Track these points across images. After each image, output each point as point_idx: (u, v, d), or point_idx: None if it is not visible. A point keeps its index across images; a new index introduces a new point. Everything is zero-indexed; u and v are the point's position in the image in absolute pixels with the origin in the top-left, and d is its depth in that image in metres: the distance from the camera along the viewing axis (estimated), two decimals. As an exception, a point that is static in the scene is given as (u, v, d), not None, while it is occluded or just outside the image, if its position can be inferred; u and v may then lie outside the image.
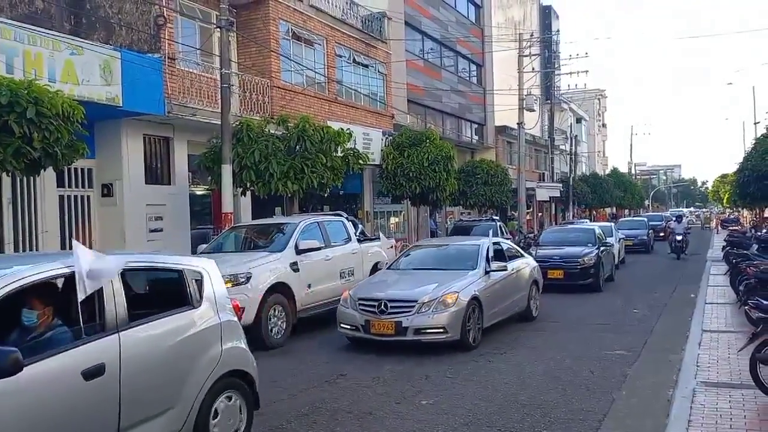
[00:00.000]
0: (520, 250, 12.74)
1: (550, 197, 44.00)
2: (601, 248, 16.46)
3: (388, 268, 11.34)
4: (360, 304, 9.27)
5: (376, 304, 9.10)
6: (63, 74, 12.02)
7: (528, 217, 38.29)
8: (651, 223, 33.54)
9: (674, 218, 27.99)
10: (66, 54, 12.17)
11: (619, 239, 22.43)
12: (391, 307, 9.01)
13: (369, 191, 24.43)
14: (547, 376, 7.80)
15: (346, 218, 13.26)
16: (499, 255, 10.98)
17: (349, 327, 9.39)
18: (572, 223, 31.53)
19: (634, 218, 40.02)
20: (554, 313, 12.47)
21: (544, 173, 46.00)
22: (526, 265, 11.83)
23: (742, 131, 70.52)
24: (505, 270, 10.48)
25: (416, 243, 12.28)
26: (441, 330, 8.87)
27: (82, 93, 12.18)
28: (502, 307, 10.33)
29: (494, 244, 11.10)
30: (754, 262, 11.31)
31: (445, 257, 11.03)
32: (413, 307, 8.94)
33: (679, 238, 24.25)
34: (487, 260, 10.19)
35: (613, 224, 25.75)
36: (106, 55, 12.94)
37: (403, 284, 9.92)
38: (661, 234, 32.99)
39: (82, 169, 14.51)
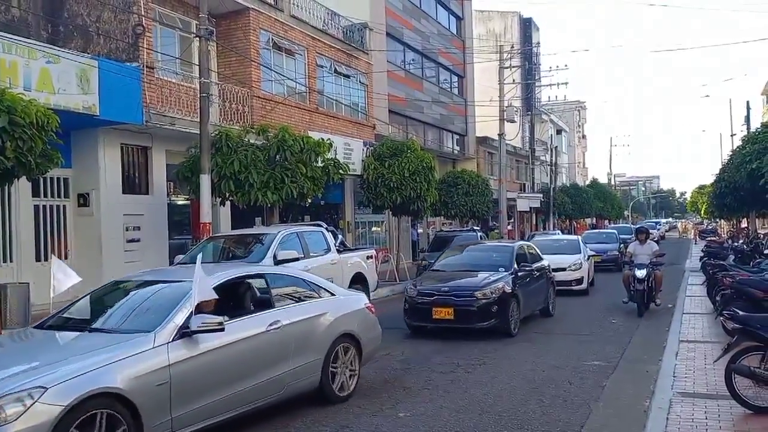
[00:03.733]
0: (328, 284, 7.85)
1: (530, 208, 44.20)
2: (520, 274, 11.83)
3: (34, 326, 6.57)
4: None
5: None
6: (39, 83, 11.88)
7: (509, 228, 38.46)
8: (621, 236, 28.11)
9: (634, 235, 15.67)
10: (42, 62, 12.04)
11: (588, 256, 18.66)
12: None
13: (350, 201, 24.40)
14: (525, 387, 7.78)
15: (326, 228, 13.22)
16: (260, 295, 6.91)
17: None
18: (545, 233, 30.56)
19: (603, 230, 34.44)
20: (532, 323, 12.47)
21: (524, 184, 46.30)
22: (322, 311, 7.11)
23: (720, 143, 71.65)
24: (221, 329, 5.68)
25: (117, 278, 7.24)
26: None
27: (58, 102, 12.05)
28: (234, 394, 5.91)
29: (255, 277, 7.03)
30: (731, 273, 11.40)
31: (127, 307, 6.29)
32: None
33: (641, 274, 13.08)
34: (191, 314, 5.65)
35: (579, 237, 21.79)
36: (83, 64, 12.82)
37: None
38: None
39: (58, 179, 14.33)
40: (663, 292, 14.16)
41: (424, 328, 11.26)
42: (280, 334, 6.49)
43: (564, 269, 16.72)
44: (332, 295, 7.56)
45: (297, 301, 7.12)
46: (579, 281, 17.10)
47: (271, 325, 6.43)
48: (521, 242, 14.73)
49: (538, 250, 14.26)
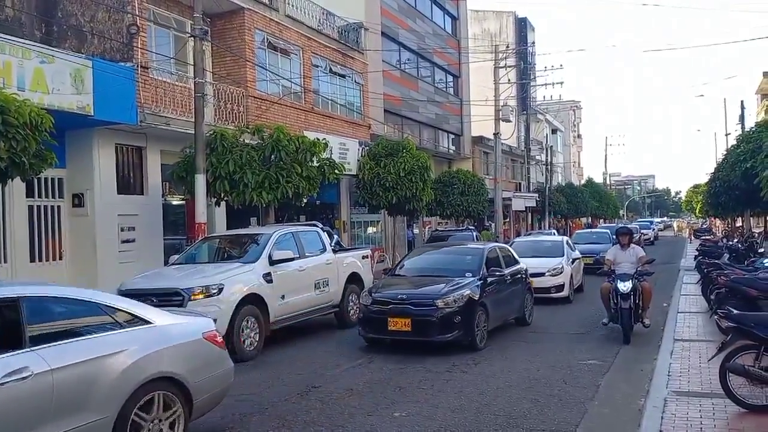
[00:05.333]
0: (140, 307, 5.65)
1: (526, 207, 44.32)
2: (489, 280, 10.68)
3: None
4: None
5: None
6: (33, 83, 11.82)
7: (505, 227, 38.51)
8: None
9: (617, 238, 11.63)
10: (36, 62, 11.98)
11: (574, 259, 16.80)
12: None
13: (346, 201, 24.39)
14: (521, 386, 7.79)
15: (321, 228, 13.20)
16: (7, 331, 4.71)
17: None
18: (539, 233, 29.93)
19: (594, 230, 32.05)
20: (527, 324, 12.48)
21: (520, 183, 46.37)
22: (118, 348, 5.13)
23: (714, 142, 72.04)
24: None
25: None
26: None
27: (52, 102, 11.99)
28: None
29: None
30: (725, 272, 11.43)
31: None
32: None
33: (624, 287, 10.37)
34: None
35: (565, 238, 19.29)
36: (77, 64, 12.76)
37: None
38: None
39: (53, 179, 14.27)
40: (652, 306, 11.60)
41: (381, 340, 10.17)
42: (29, 386, 4.45)
43: (542, 274, 15.19)
44: (146, 323, 5.46)
45: (74, 336, 4.99)
46: (559, 288, 15.44)
47: (10, 374, 4.38)
48: (493, 244, 13.18)
49: (514, 253, 13.10)
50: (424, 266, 11.68)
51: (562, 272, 15.68)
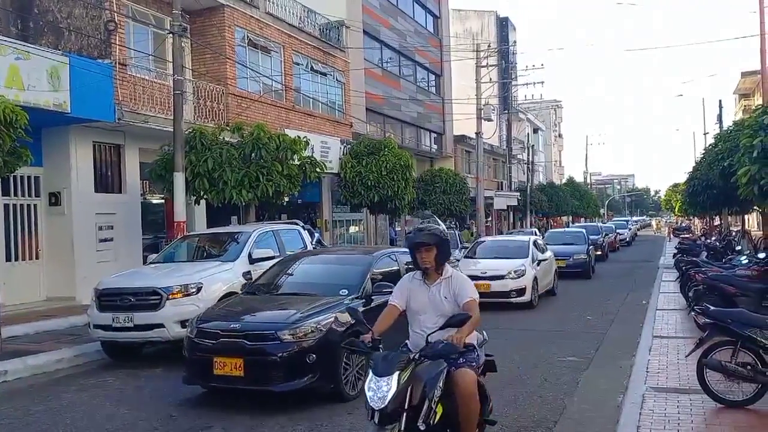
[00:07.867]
0: None
1: (508, 206, 44.50)
2: (376, 301, 7.28)
3: None
4: None
5: None
6: (8, 79, 11.65)
7: (487, 225, 38.66)
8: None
9: (412, 256, 4.93)
10: (11, 58, 11.81)
11: (540, 261, 15.50)
12: None
13: (328, 200, 24.31)
14: (501, 383, 7.75)
15: (302, 227, 13.13)
16: None
17: None
18: (520, 232, 29.62)
19: (568, 230, 29.25)
20: (508, 320, 12.52)
21: (502, 182, 46.59)
22: None
23: (693, 142, 72.92)
24: None
25: None
26: None
27: (27, 99, 11.82)
28: None
29: None
30: (703, 269, 11.58)
31: None
32: None
33: (381, 391, 4.03)
34: None
35: (533, 238, 17.32)
36: (53, 60, 12.59)
37: None
38: (598, 252, 25.09)
39: (29, 177, 14.09)
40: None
41: (211, 387, 7.25)
42: None
43: (502, 277, 14.04)
44: None
45: None
46: (520, 292, 14.04)
47: None
48: (391, 250, 9.35)
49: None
50: (292, 281, 8.54)
51: (524, 275, 14.28)
